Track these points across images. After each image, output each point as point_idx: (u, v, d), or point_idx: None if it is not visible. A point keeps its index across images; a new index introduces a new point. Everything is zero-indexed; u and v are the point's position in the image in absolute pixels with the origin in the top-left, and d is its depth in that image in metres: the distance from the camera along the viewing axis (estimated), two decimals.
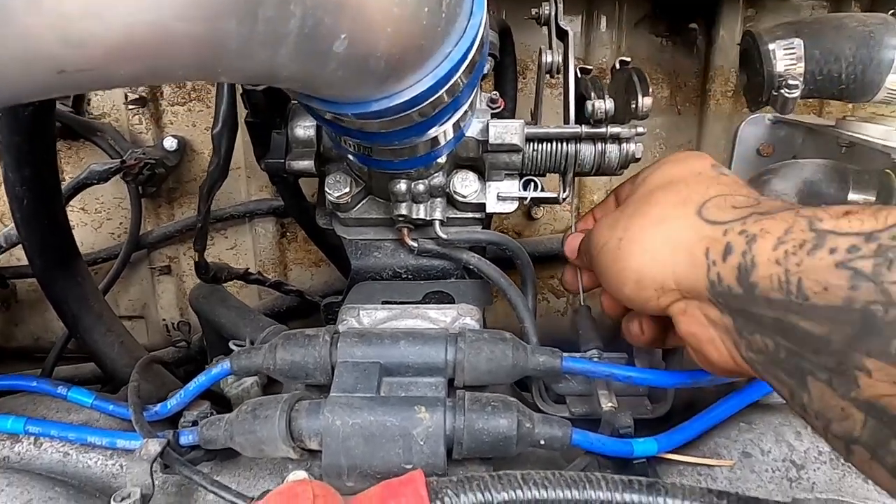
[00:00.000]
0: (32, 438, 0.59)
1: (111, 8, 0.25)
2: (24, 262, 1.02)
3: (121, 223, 1.04)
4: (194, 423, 0.56)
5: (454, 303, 0.66)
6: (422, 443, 0.47)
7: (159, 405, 0.59)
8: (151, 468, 0.49)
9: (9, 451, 0.59)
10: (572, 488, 0.41)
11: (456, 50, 0.43)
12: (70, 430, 0.57)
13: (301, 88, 0.39)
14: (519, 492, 0.40)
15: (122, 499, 0.47)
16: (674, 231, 0.44)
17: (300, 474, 0.48)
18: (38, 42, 0.25)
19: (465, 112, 0.56)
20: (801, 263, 0.34)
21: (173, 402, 0.58)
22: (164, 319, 1.10)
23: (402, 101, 0.43)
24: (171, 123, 0.99)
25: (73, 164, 0.99)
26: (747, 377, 0.50)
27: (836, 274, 0.32)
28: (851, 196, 0.65)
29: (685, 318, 0.45)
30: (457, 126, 0.56)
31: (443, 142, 0.56)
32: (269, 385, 0.69)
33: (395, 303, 0.66)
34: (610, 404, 0.57)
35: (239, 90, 0.64)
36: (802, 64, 0.62)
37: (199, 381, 0.57)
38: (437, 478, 0.41)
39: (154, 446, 0.51)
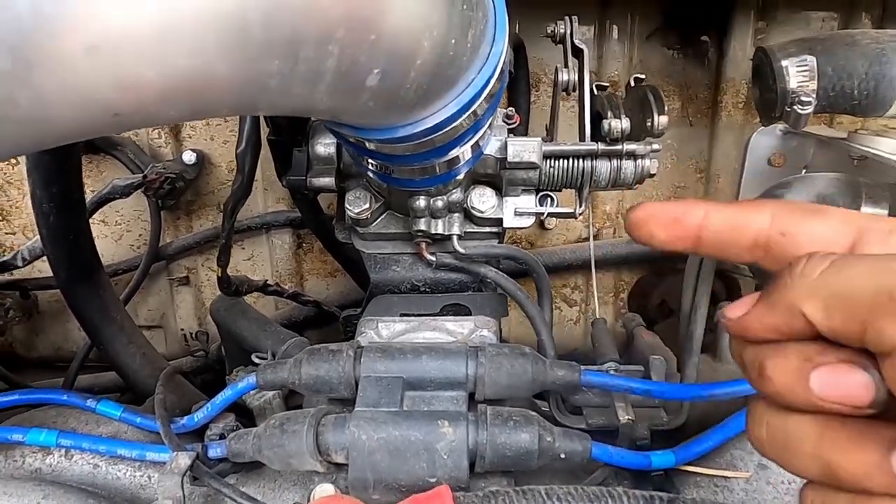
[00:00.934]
0: (63, 451, 0.60)
1: (162, 54, 0.27)
2: (46, 273, 1.05)
3: (140, 235, 1.05)
4: (221, 436, 0.58)
5: (471, 315, 0.68)
6: (445, 457, 0.49)
7: (186, 418, 0.60)
8: (182, 481, 0.51)
9: (41, 464, 0.60)
10: (595, 503, 0.42)
11: (479, 77, 0.44)
12: (101, 443, 0.58)
13: (333, 118, 0.41)
14: None
15: None
16: None
17: (327, 487, 0.50)
18: (95, 88, 0.26)
19: (485, 132, 0.57)
20: None
21: (200, 416, 0.59)
22: (182, 329, 1.12)
23: (427, 126, 0.44)
24: (190, 137, 1.01)
25: (93, 177, 1.01)
26: None
27: None
28: (864, 209, 0.66)
29: None
30: (476, 146, 0.57)
31: (462, 161, 0.58)
32: (290, 397, 0.71)
33: (414, 315, 0.67)
34: (627, 416, 0.58)
35: None
36: (815, 80, 0.62)
37: (226, 396, 0.58)
38: (462, 493, 0.42)
39: (184, 459, 0.52)
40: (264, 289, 0.87)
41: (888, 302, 0.24)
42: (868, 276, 0.25)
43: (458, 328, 0.64)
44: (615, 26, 0.97)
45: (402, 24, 0.34)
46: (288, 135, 0.67)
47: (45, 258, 0.95)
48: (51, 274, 1.01)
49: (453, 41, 0.38)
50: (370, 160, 0.56)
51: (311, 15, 0.29)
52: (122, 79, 0.27)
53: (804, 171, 0.94)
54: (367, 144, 0.48)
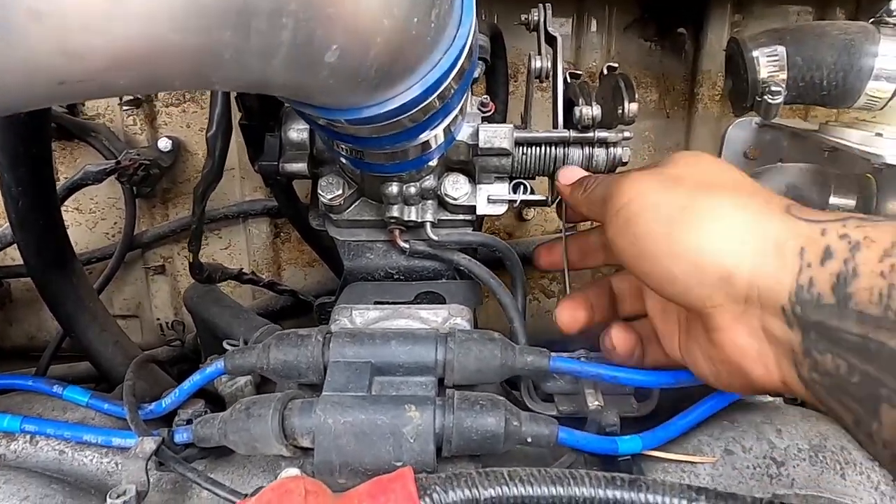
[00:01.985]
0: (28, 437, 0.60)
1: (110, 21, 0.26)
2: (19, 261, 1.03)
3: (115, 223, 1.04)
4: (188, 422, 0.57)
5: (445, 303, 0.68)
6: (412, 441, 0.49)
7: (154, 404, 0.60)
8: (147, 466, 0.50)
9: (4, 450, 0.60)
10: (557, 485, 0.42)
11: (445, 58, 0.44)
12: (66, 429, 0.57)
13: (293, 97, 0.41)
14: (505, 488, 0.41)
15: (118, 496, 0.47)
16: (762, 220, 0.38)
17: (293, 471, 0.49)
18: (39, 54, 0.26)
19: (456, 117, 0.57)
20: None
21: (168, 401, 0.59)
22: (158, 319, 1.11)
23: (392, 107, 0.44)
24: (166, 124, 1.00)
25: (67, 164, 1.00)
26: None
27: None
28: (832, 200, 0.67)
29: (736, 326, 0.40)
30: (447, 130, 0.57)
31: (434, 146, 0.57)
32: (263, 384, 0.70)
33: (388, 303, 0.67)
34: (596, 403, 0.58)
35: (233, 94, 0.65)
36: (785, 71, 0.63)
37: (194, 381, 0.58)
38: (425, 474, 0.42)
39: (149, 444, 0.52)
40: (239, 277, 0.87)
41: (600, 201, 0.50)
42: (599, 186, 0.53)
43: (431, 316, 0.64)
44: (593, 18, 0.97)
45: (360, 0, 0.34)
46: (260, 120, 0.66)
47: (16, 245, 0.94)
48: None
49: (415, 20, 0.38)
50: (341, 144, 0.56)
51: None
52: (68, 46, 0.26)
53: (779, 162, 0.95)
54: (336, 126, 0.47)
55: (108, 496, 0.47)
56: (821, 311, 0.35)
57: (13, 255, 1.04)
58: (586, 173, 0.58)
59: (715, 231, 0.39)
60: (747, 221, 0.39)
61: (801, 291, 0.36)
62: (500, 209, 0.67)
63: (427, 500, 0.40)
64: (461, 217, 0.69)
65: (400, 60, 0.40)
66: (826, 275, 0.35)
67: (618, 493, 0.42)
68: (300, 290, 1.00)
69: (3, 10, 0.25)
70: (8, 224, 0.93)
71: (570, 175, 0.59)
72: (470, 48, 0.46)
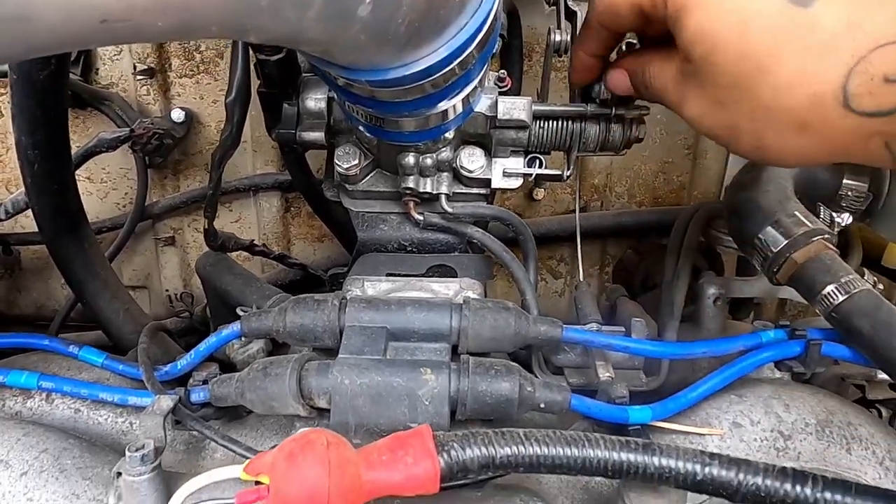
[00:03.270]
0: (44, 394, 0.60)
1: None
2: (29, 229, 1.04)
3: (126, 193, 1.05)
4: (204, 382, 0.58)
5: (457, 276, 0.68)
6: (427, 403, 0.49)
7: (169, 365, 0.61)
8: (164, 422, 0.51)
9: (21, 407, 0.60)
10: (572, 446, 0.42)
11: (472, 22, 0.44)
12: (83, 387, 0.58)
13: (322, 53, 0.41)
14: (521, 447, 0.42)
15: (137, 449, 0.48)
16: (830, 135, 0.38)
17: (308, 430, 0.50)
18: None
19: (475, 87, 0.57)
20: None
21: (184, 363, 0.59)
22: (167, 290, 1.12)
23: (417, 70, 0.44)
24: (179, 95, 1.00)
25: (80, 132, 1.00)
26: None
27: None
28: (846, 181, 0.67)
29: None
30: (466, 101, 0.57)
31: (452, 116, 0.58)
32: (275, 351, 0.71)
33: (400, 275, 0.67)
34: (607, 374, 0.59)
35: (252, 60, 0.65)
36: None
37: (210, 342, 0.58)
38: (443, 432, 0.43)
39: (166, 402, 0.53)
40: (251, 248, 0.87)
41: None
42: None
43: (443, 289, 0.65)
44: None
45: None
46: (279, 88, 0.66)
47: (28, 213, 0.94)
48: (34, 229, 1.01)
49: None
50: (360, 110, 0.56)
51: None
52: None
53: None
54: (355, 87, 0.48)
55: (126, 449, 0.48)
56: None
57: (23, 223, 1.04)
58: (625, 75, 0.54)
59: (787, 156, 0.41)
60: (818, 145, 0.40)
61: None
62: (516, 183, 0.67)
63: (444, 455, 0.41)
64: (475, 190, 0.69)
65: (429, 19, 0.40)
66: None
67: (632, 456, 0.42)
68: (309, 265, 1.01)
69: None
70: (18, 191, 0.93)
71: (618, 83, 0.56)
72: (495, 15, 0.46)
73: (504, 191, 0.72)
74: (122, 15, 0.28)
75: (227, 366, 0.69)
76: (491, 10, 0.45)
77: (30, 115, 0.68)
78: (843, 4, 0.37)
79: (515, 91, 0.86)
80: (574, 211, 1.05)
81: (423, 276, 0.68)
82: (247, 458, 0.49)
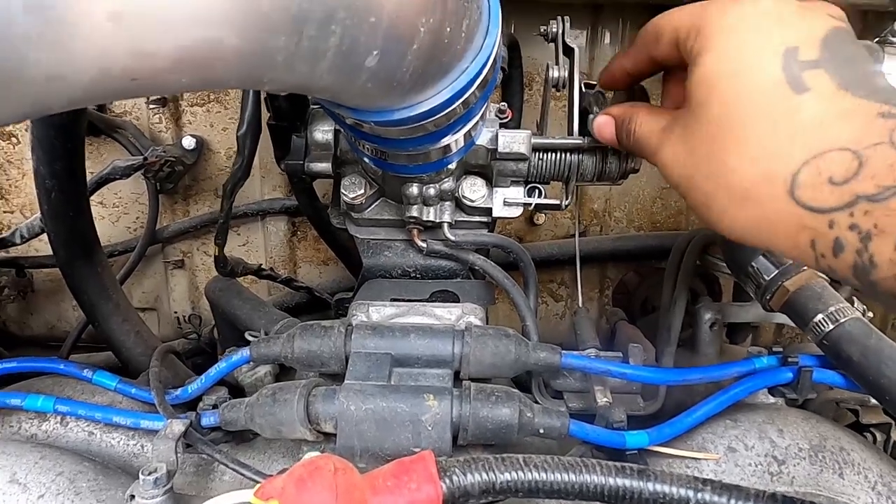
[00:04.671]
0: (59, 418, 0.62)
1: (179, 24, 0.29)
2: (42, 252, 1.06)
3: (137, 217, 1.07)
4: (214, 407, 0.60)
5: (459, 301, 0.70)
6: (430, 428, 0.51)
7: (180, 390, 0.62)
8: (176, 446, 0.53)
9: (36, 430, 0.62)
10: (570, 472, 0.44)
11: (472, 66, 0.47)
12: (97, 410, 0.60)
13: (332, 98, 0.43)
14: (521, 473, 0.43)
15: (150, 472, 0.50)
16: (767, 214, 0.40)
17: (315, 455, 0.52)
18: (115, 53, 0.29)
19: (477, 122, 0.59)
20: None
21: (194, 387, 0.61)
22: (175, 312, 1.14)
23: (421, 111, 0.46)
24: (190, 123, 1.03)
25: (94, 159, 1.03)
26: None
27: None
28: None
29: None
30: (468, 135, 0.60)
31: (454, 149, 0.60)
32: (282, 375, 0.73)
33: (403, 300, 0.69)
34: (605, 399, 0.61)
35: (263, 94, 0.67)
36: None
37: (220, 368, 0.60)
38: (445, 458, 0.44)
39: (178, 426, 0.54)
40: (258, 272, 0.89)
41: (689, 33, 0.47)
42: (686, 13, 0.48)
43: (445, 314, 0.67)
44: (607, 31, 1.00)
45: (400, 10, 0.36)
46: (288, 120, 0.69)
47: (41, 237, 0.97)
48: (47, 253, 1.04)
49: (448, 29, 0.41)
50: (366, 144, 0.58)
51: None
52: (142, 46, 0.29)
53: None
54: (363, 127, 0.50)
55: (140, 473, 0.50)
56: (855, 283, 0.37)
57: (36, 247, 1.07)
58: (611, 122, 0.57)
59: (731, 222, 0.42)
60: (759, 220, 0.40)
61: (827, 273, 0.38)
62: (516, 212, 0.70)
63: (447, 481, 0.42)
64: (477, 219, 0.72)
65: (432, 66, 0.42)
66: (844, 265, 0.36)
67: (627, 482, 0.44)
68: (315, 288, 1.03)
69: (84, 11, 0.27)
70: (33, 217, 0.96)
71: (603, 128, 0.58)
72: (495, 58, 0.49)
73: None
74: (151, 74, 0.30)
75: (235, 388, 0.70)
76: (491, 53, 0.48)
77: (49, 145, 0.71)
78: (827, 102, 0.39)
79: (517, 121, 0.88)
80: (574, 235, 1.07)
81: (426, 301, 0.70)
82: (256, 482, 0.51)
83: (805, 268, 0.60)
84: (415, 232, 0.70)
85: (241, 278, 0.88)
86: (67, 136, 0.72)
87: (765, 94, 0.40)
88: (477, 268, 0.71)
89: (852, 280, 0.37)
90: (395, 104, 0.45)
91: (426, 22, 0.38)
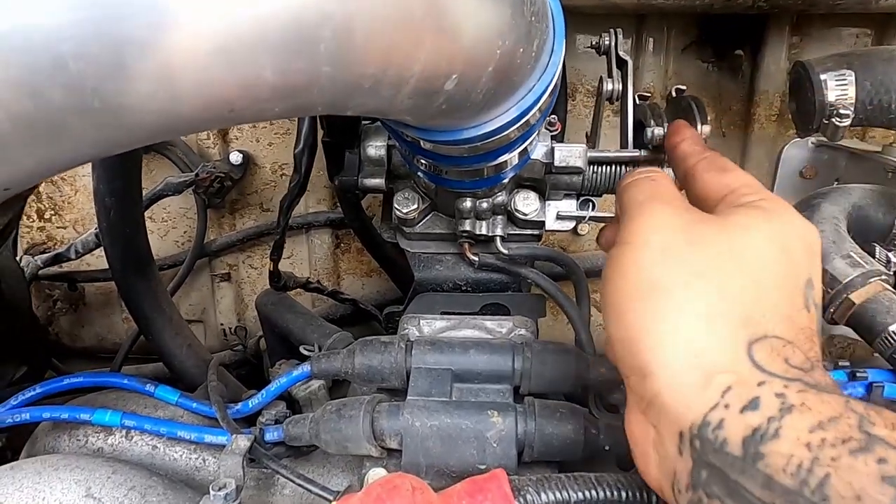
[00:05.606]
0: (124, 432, 0.64)
1: (280, 56, 0.30)
2: (94, 266, 1.09)
3: (185, 232, 1.09)
4: (277, 422, 0.61)
5: (510, 314, 0.70)
6: (495, 445, 0.51)
7: (241, 404, 0.63)
8: (243, 461, 0.53)
9: (102, 443, 0.64)
10: (643, 491, 0.44)
11: (539, 84, 0.47)
12: (161, 425, 0.61)
13: (406, 120, 0.44)
14: (594, 491, 0.43)
15: (220, 488, 0.51)
16: (712, 341, 0.36)
17: (380, 471, 0.52)
18: (220, 85, 0.29)
19: (534, 138, 0.59)
20: (837, 459, 0.29)
21: (255, 402, 0.62)
22: (221, 324, 1.16)
23: (488, 130, 0.47)
24: (237, 139, 1.05)
25: (144, 175, 1.03)
26: None
27: (880, 488, 0.28)
28: None
29: (636, 413, 0.39)
30: (524, 151, 0.60)
31: (510, 165, 0.60)
32: (334, 389, 0.73)
33: (454, 313, 0.70)
34: None
35: None
36: (854, 94, 0.64)
37: (281, 383, 0.61)
38: (517, 476, 0.44)
39: (244, 441, 0.55)
40: (306, 285, 0.91)
41: (622, 213, 0.46)
42: (629, 195, 0.46)
43: (497, 327, 0.67)
44: (651, 39, 1.00)
45: (480, 34, 0.37)
46: (341, 137, 0.70)
47: (93, 251, 0.99)
48: (98, 267, 1.06)
49: (521, 50, 0.41)
50: (422, 160, 0.59)
51: (406, 26, 0.32)
52: (243, 77, 0.30)
53: (835, 183, 0.95)
54: (422, 144, 0.50)
55: (210, 488, 0.51)
56: (721, 458, 0.33)
57: (88, 261, 1.09)
58: (687, 134, 0.54)
59: (664, 330, 0.37)
60: (700, 340, 0.36)
61: (706, 429, 0.34)
62: (569, 225, 0.70)
63: (521, 500, 0.42)
64: (529, 232, 0.72)
65: (504, 86, 0.43)
66: (741, 425, 0.33)
67: None
68: (359, 300, 1.04)
69: (193, 47, 0.28)
70: (89, 231, 0.99)
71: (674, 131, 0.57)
72: (560, 76, 0.49)
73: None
74: (248, 105, 0.31)
75: (289, 401, 0.71)
76: (556, 72, 0.48)
77: (109, 164, 0.73)
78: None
79: (562, 132, 0.88)
80: None
81: (476, 314, 0.70)
82: (323, 497, 0.52)
83: (872, 280, 0.59)
84: (466, 246, 0.71)
85: (289, 291, 0.89)
86: (126, 156, 0.73)
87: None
88: (530, 281, 0.71)
89: (732, 446, 0.33)
90: (463, 124, 0.46)
91: (502, 45, 0.38)
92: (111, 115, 0.28)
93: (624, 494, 0.44)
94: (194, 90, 0.29)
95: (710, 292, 0.37)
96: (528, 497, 0.43)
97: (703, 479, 0.34)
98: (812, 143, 0.97)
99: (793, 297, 0.38)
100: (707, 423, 0.34)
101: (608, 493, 0.43)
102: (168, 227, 1.10)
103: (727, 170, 0.46)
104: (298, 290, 0.97)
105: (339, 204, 0.99)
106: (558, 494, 0.43)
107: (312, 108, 0.34)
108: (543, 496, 0.43)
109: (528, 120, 0.49)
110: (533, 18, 0.41)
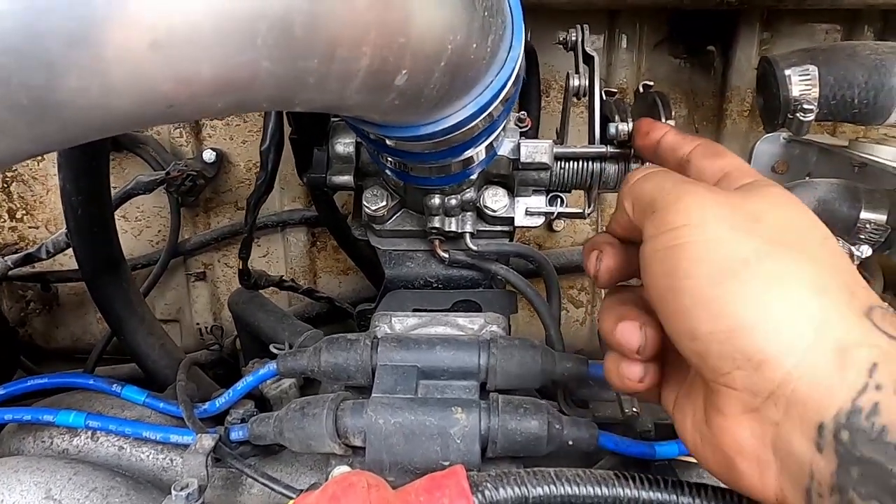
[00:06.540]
0: (90, 433, 0.63)
1: (217, 50, 0.29)
2: (67, 267, 1.08)
3: (159, 231, 1.08)
4: (242, 421, 0.60)
5: (481, 311, 0.70)
6: (458, 441, 0.51)
7: (208, 403, 0.63)
8: (207, 461, 0.53)
9: (68, 445, 0.63)
10: (603, 485, 0.44)
11: (497, 80, 0.47)
12: (127, 425, 0.61)
13: (359, 115, 0.44)
14: (553, 487, 0.43)
15: (182, 488, 0.50)
16: (835, 315, 0.31)
17: (343, 469, 0.52)
18: (154, 80, 0.29)
19: (499, 134, 0.59)
20: None
21: (221, 401, 0.62)
22: (197, 323, 1.15)
23: (446, 126, 0.47)
24: (210, 137, 1.04)
25: (116, 174, 1.04)
26: None
27: None
28: (864, 215, 0.68)
29: (742, 419, 0.33)
30: (490, 146, 0.60)
31: (476, 161, 0.60)
32: (306, 387, 0.73)
33: (426, 310, 0.69)
34: (633, 409, 0.60)
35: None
36: (817, 89, 0.65)
37: (248, 382, 0.61)
38: (476, 472, 0.44)
39: (208, 441, 0.55)
40: (280, 284, 0.90)
41: (647, 206, 0.39)
42: (650, 186, 0.40)
43: (468, 323, 0.67)
44: (624, 35, 1.00)
45: (428, 29, 0.36)
46: (309, 134, 0.69)
47: (66, 251, 0.98)
48: (72, 267, 1.05)
49: (474, 45, 0.41)
50: (389, 157, 0.59)
51: (348, 19, 0.32)
52: (180, 73, 0.29)
53: (807, 177, 0.96)
54: (387, 141, 0.50)
55: (172, 488, 0.50)
56: (878, 449, 0.28)
57: (61, 261, 1.08)
58: (666, 128, 0.51)
59: (772, 306, 0.31)
60: (815, 311, 0.31)
61: (857, 416, 0.28)
62: (538, 221, 0.70)
63: (479, 496, 0.42)
64: (499, 228, 0.72)
65: (458, 82, 0.42)
66: None
67: (662, 495, 0.44)
68: (335, 297, 1.03)
69: (126, 41, 0.28)
70: (60, 231, 0.97)
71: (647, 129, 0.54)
72: (518, 72, 0.49)
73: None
74: (187, 101, 0.31)
75: (260, 400, 0.71)
76: (515, 66, 0.48)
77: (75, 163, 0.72)
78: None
79: (535, 129, 0.88)
80: None
81: (448, 311, 0.70)
82: (287, 496, 0.52)
83: None
84: (437, 242, 0.71)
85: (263, 289, 0.89)
86: (93, 154, 0.73)
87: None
88: (500, 277, 0.71)
89: (891, 431, 0.29)
90: (420, 120, 0.45)
91: (453, 40, 0.38)
92: (41, 110, 0.27)
93: (584, 490, 0.44)
94: (129, 86, 0.29)
95: (800, 260, 0.33)
96: (487, 493, 0.42)
97: (854, 478, 0.28)
98: (784, 138, 0.97)
99: (845, 259, 0.35)
100: (858, 410, 0.29)
101: (568, 489, 0.43)
102: (142, 226, 1.09)
103: (722, 155, 0.44)
104: (274, 288, 0.96)
105: (312, 202, 0.98)
106: (517, 490, 0.43)
107: (256, 103, 0.34)
108: (502, 491, 0.43)
109: (490, 113, 0.49)
110: (486, 14, 0.41)
